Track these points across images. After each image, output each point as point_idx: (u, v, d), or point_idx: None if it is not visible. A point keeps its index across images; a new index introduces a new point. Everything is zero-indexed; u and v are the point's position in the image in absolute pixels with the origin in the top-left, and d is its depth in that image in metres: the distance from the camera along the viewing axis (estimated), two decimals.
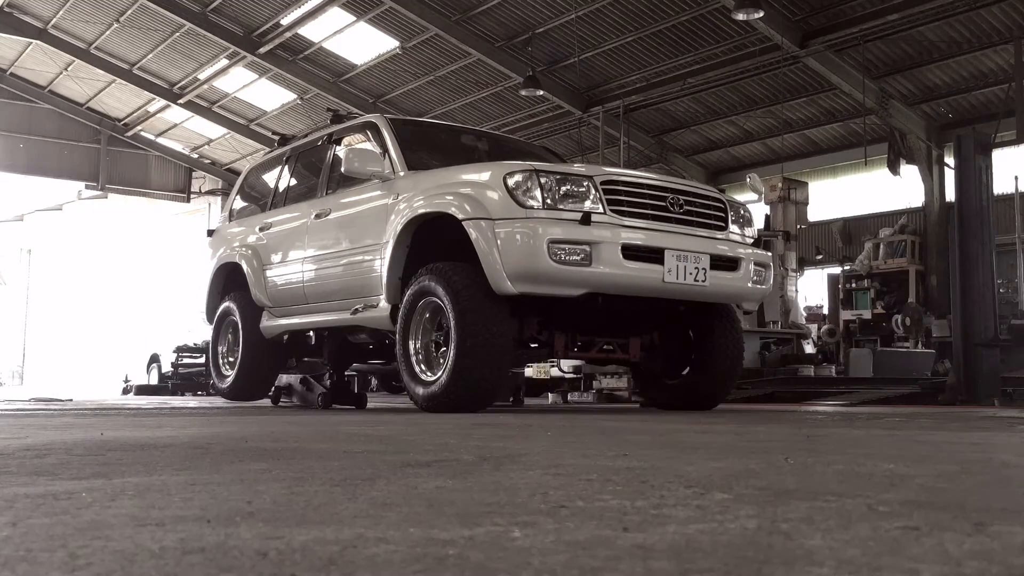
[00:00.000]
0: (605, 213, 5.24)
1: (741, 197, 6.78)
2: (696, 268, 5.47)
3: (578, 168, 5.52)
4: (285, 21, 18.19)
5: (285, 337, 7.45)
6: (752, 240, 6.04)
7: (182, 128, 25.52)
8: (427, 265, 5.55)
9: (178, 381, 16.52)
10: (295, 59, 19.72)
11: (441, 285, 5.34)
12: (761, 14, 13.20)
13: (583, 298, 5.27)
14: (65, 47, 21.65)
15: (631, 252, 5.23)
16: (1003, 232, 12.74)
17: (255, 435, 3.34)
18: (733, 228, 5.86)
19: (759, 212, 13.58)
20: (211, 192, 27.55)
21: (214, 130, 24.85)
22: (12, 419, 4.69)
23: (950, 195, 13.73)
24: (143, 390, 16.30)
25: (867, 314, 16.27)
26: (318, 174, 7.21)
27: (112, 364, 25.57)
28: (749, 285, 5.84)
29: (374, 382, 15.01)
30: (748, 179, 7.36)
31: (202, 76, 21.75)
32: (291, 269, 7.09)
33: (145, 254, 30.70)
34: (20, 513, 1.40)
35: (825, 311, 17.36)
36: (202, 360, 15.35)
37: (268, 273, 7.39)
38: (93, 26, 20.61)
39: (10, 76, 24.20)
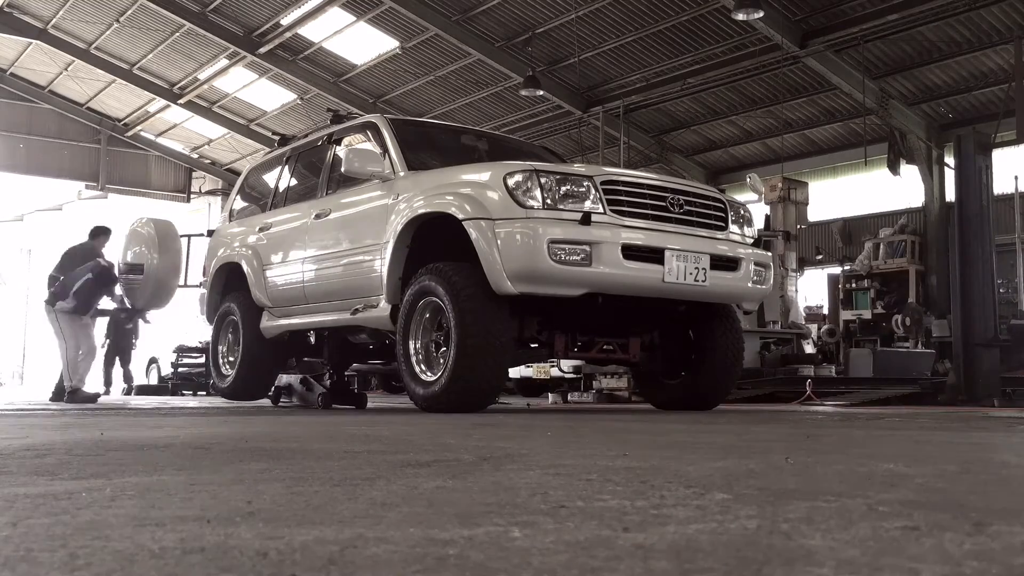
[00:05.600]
0: (605, 213, 5.24)
1: (741, 197, 6.78)
2: (696, 268, 5.47)
3: (578, 168, 5.52)
4: (285, 21, 18.19)
5: (286, 337, 7.45)
6: (752, 240, 6.04)
7: (182, 128, 25.52)
8: (427, 265, 5.55)
9: (178, 381, 16.51)
10: (295, 59, 19.72)
11: (441, 285, 5.34)
12: (761, 14, 13.20)
13: (583, 298, 5.27)
14: (65, 47, 21.65)
15: (631, 252, 5.23)
16: (1003, 232, 12.74)
17: (255, 435, 3.34)
18: (733, 228, 5.86)
19: (759, 212, 13.57)
20: (211, 192, 27.54)
21: (214, 130, 24.85)
22: (12, 419, 4.69)
23: (950, 195, 13.73)
24: (143, 390, 16.30)
25: (867, 314, 16.27)
26: (318, 174, 7.21)
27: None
28: (749, 285, 5.84)
29: (374, 382, 15.02)
30: (748, 179, 7.35)
31: (202, 76, 21.74)
32: (291, 269, 7.09)
33: None
34: (20, 513, 1.40)
35: (825, 311, 17.35)
36: (202, 360, 15.35)
37: (268, 273, 7.39)
38: (93, 26, 20.61)
39: (10, 76, 24.20)
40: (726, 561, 1.04)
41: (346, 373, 7.76)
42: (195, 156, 27.34)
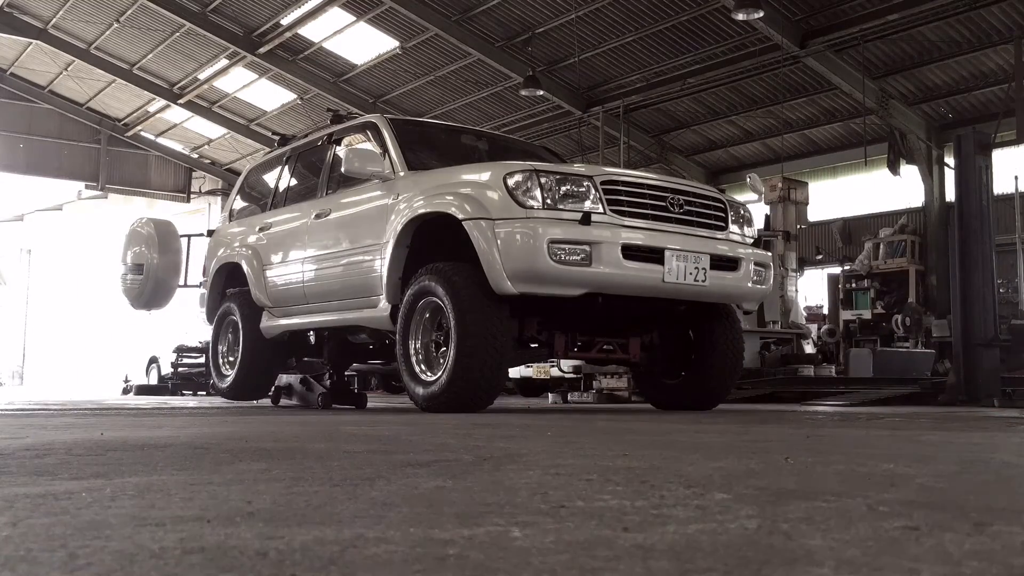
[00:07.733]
0: (605, 213, 5.24)
1: (741, 197, 6.77)
2: (696, 268, 5.47)
3: (578, 168, 5.52)
4: (285, 21, 18.19)
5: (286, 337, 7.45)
6: (752, 240, 6.04)
7: (182, 128, 25.52)
8: (427, 265, 5.55)
9: (178, 381, 16.51)
10: (295, 59, 19.72)
11: (441, 285, 5.34)
12: (761, 14, 13.20)
13: (583, 298, 5.27)
14: (65, 47, 21.66)
15: (631, 252, 5.23)
16: (1003, 232, 12.74)
17: (255, 435, 3.34)
18: (733, 228, 5.86)
19: (759, 212, 13.57)
20: (211, 192, 27.55)
21: (214, 130, 24.86)
22: (12, 419, 4.69)
23: (950, 195, 13.74)
24: (143, 390, 16.30)
25: (867, 314, 16.27)
26: (318, 174, 7.21)
27: (112, 364, 25.56)
28: (749, 285, 5.84)
29: (374, 382, 15.02)
30: (748, 179, 7.35)
31: (202, 76, 21.75)
32: (291, 269, 7.09)
33: None
34: (20, 513, 1.40)
35: (825, 311, 17.36)
36: (202, 360, 15.34)
37: (268, 273, 7.39)
38: (93, 26, 20.61)
39: (10, 76, 24.20)
40: (726, 561, 1.04)
41: (346, 373, 7.76)
42: (195, 156, 27.35)
